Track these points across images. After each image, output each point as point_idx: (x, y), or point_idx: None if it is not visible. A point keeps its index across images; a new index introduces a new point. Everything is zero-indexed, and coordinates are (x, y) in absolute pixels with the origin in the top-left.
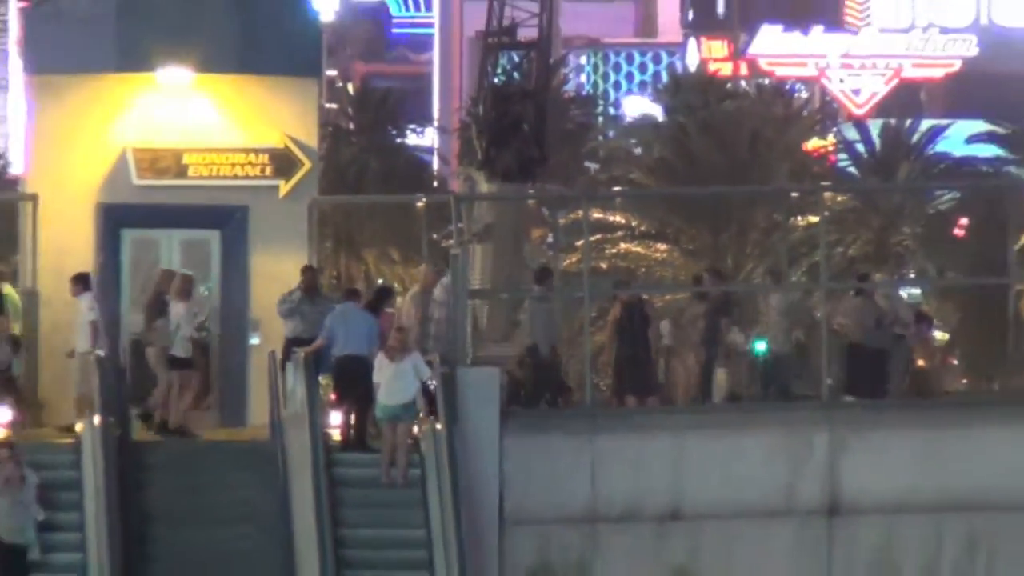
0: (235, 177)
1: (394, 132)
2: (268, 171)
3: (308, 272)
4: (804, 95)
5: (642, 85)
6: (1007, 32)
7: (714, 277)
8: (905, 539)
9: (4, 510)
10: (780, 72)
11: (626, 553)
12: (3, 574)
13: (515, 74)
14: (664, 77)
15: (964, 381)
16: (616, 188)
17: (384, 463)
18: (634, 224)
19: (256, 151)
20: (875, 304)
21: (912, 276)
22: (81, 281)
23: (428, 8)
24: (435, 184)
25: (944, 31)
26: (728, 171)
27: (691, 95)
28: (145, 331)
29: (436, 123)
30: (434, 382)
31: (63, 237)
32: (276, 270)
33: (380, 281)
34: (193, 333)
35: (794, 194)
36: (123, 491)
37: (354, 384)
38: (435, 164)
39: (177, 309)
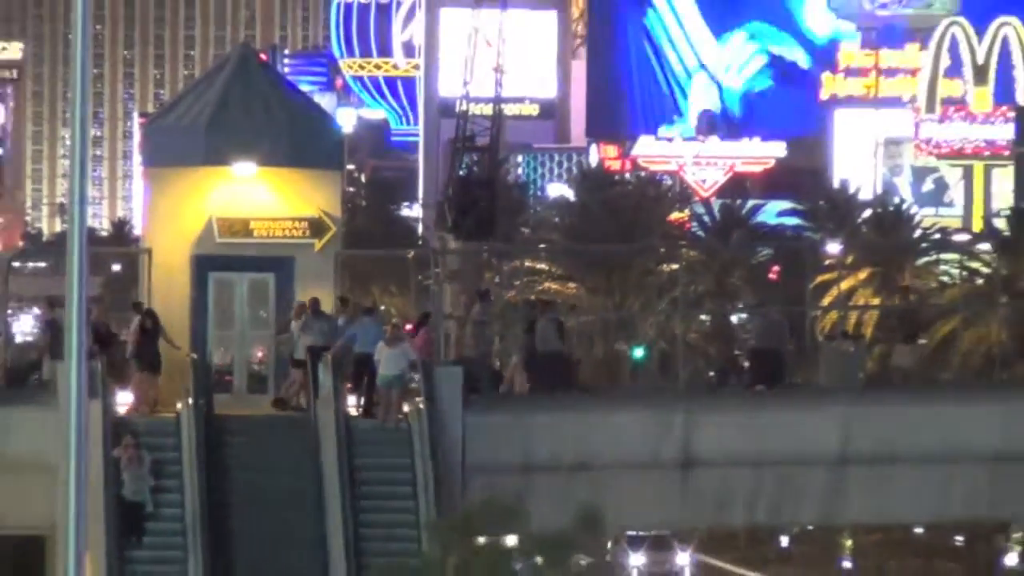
0: (285, 237)
1: (392, 207)
2: (307, 233)
3: (313, 301)
4: (668, 183)
5: (559, 176)
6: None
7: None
8: (735, 484)
9: (129, 480)
10: (652, 167)
11: (548, 492)
12: (127, 523)
13: (474, 168)
14: (575, 170)
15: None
16: (541, 245)
17: (382, 412)
18: (553, 269)
19: (299, 219)
20: (776, 321)
21: (741, 305)
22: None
23: (415, 123)
24: (420, 242)
25: (764, 139)
26: (618, 234)
27: (593, 182)
28: (276, 343)
29: (421, 201)
30: (415, 362)
31: (168, 278)
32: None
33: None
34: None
35: (662, 249)
36: (208, 448)
37: (364, 372)
38: (420, 228)
39: (295, 327)
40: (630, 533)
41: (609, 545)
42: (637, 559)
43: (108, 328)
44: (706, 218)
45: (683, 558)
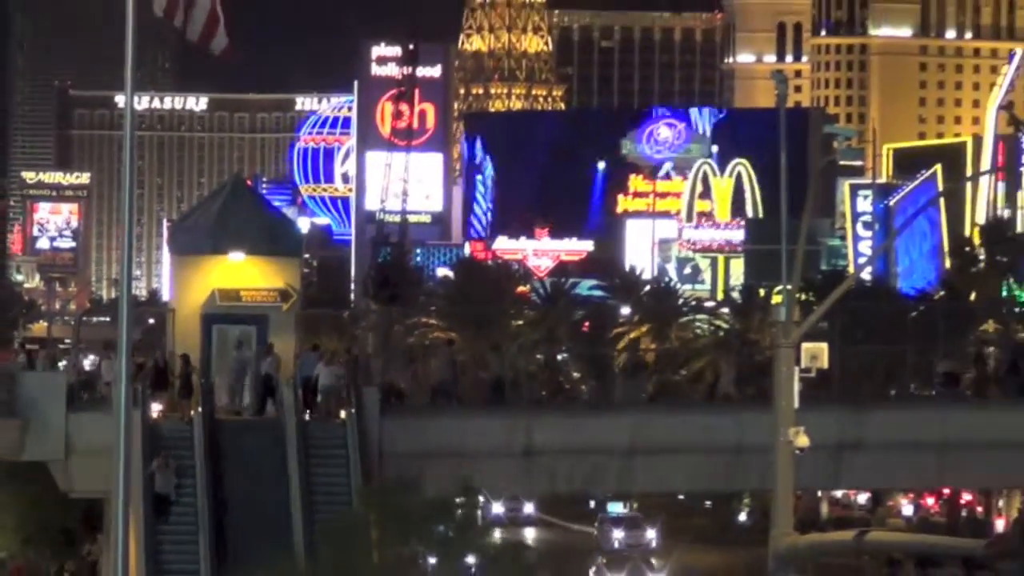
0: (263, 302)
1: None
2: (277, 299)
3: (270, 346)
4: (517, 268)
5: (444, 262)
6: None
7: (495, 350)
8: (560, 465)
9: (160, 479)
10: (507, 257)
11: (438, 471)
12: (157, 509)
13: (388, 257)
14: (454, 259)
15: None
16: (432, 308)
17: (322, 411)
18: (439, 323)
19: (272, 290)
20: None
21: (564, 348)
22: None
23: (350, 227)
24: (352, 305)
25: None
26: (482, 301)
27: (466, 267)
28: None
29: (353, 279)
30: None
31: (185, 329)
32: (279, 346)
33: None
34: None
35: (512, 311)
36: (210, 441)
37: (308, 388)
38: (352, 296)
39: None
40: (612, 514)
41: (596, 524)
42: (618, 534)
43: (166, 364)
44: (541, 291)
45: (651, 534)
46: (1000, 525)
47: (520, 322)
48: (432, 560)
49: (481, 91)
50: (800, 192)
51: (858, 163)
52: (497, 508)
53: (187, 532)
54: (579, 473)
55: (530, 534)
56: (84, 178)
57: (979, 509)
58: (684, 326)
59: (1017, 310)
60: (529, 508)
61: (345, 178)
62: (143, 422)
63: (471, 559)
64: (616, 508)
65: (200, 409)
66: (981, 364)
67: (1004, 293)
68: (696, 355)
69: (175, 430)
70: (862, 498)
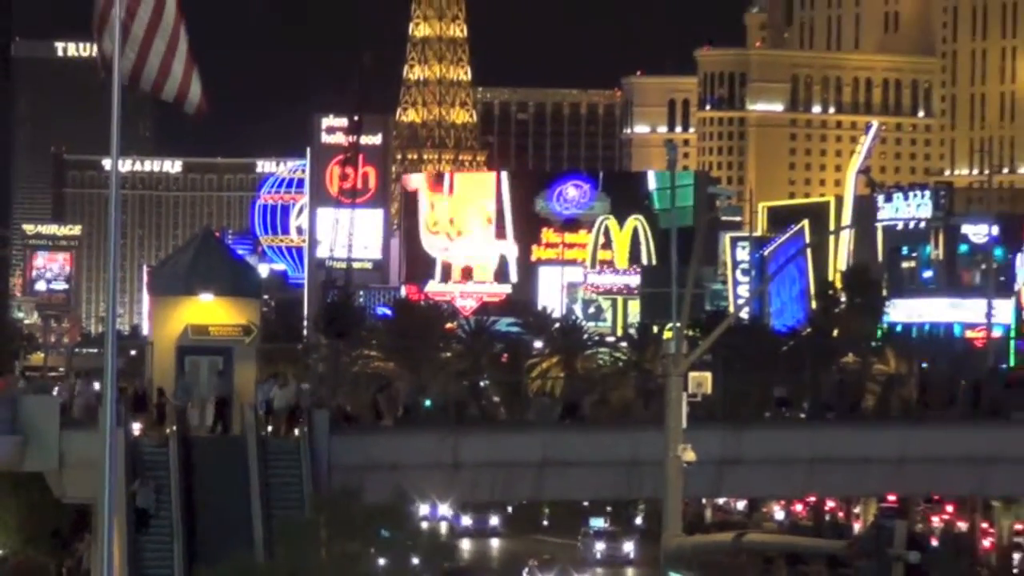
0: (228, 337)
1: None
2: (241, 334)
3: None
4: (446, 307)
5: (383, 303)
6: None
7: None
8: (482, 477)
9: (141, 496)
10: (438, 299)
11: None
12: (139, 520)
13: (335, 298)
14: (392, 299)
15: None
16: (374, 341)
17: (277, 428)
18: (379, 355)
19: (236, 326)
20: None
21: (486, 375)
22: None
23: (303, 273)
24: (304, 339)
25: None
26: (416, 336)
27: (403, 306)
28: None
29: (305, 317)
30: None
31: (162, 359)
32: (241, 375)
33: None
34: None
35: (441, 345)
36: (184, 453)
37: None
38: (305, 333)
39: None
40: (594, 528)
41: (579, 537)
42: (599, 546)
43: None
44: (466, 327)
45: (628, 546)
46: (858, 528)
47: (448, 354)
48: (381, 561)
49: (415, 156)
50: (688, 243)
51: (737, 219)
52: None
53: (164, 539)
54: (498, 483)
55: (495, 544)
56: (76, 230)
57: (840, 514)
58: (589, 357)
59: (873, 344)
60: (495, 520)
61: (299, 231)
62: (125, 439)
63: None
64: (598, 523)
65: (175, 428)
66: (846, 392)
67: (862, 329)
68: (601, 381)
69: (152, 448)
70: (740, 505)
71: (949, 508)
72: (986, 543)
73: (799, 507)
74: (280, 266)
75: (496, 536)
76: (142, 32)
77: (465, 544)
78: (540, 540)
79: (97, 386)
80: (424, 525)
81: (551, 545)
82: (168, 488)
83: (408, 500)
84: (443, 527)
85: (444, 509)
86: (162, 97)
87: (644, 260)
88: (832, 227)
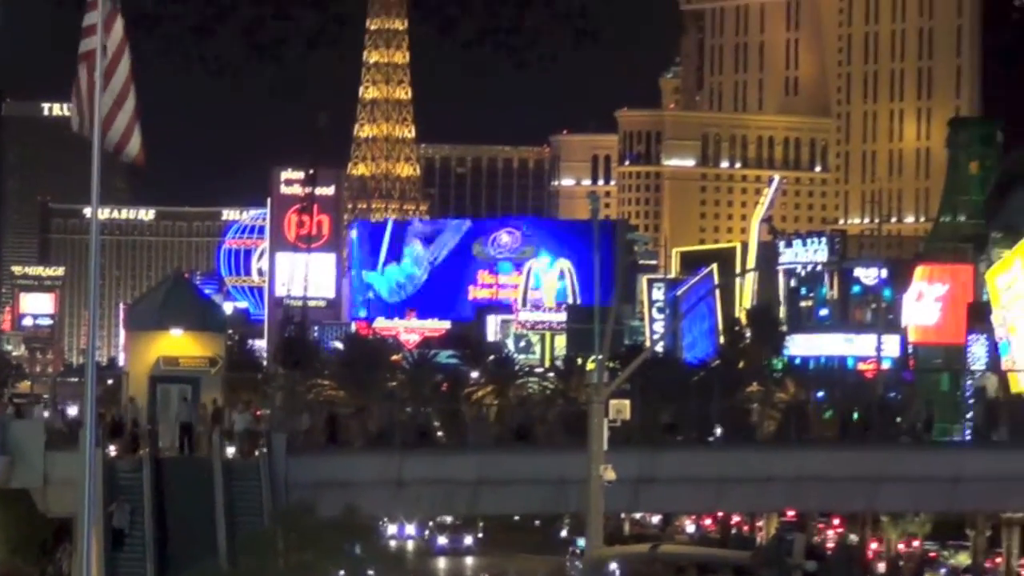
0: (196, 367)
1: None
2: (207, 365)
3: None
4: (392, 341)
5: (336, 337)
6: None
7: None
8: (423, 493)
9: (118, 516)
10: (384, 333)
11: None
12: (115, 539)
13: (293, 332)
14: (343, 335)
15: None
16: (327, 372)
17: (239, 450)
18: (332, 383)
19: (203, 358)
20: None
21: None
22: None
23: (263, 310)
24: (264, 370)
25: (440, 319)
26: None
27: (353, 340)
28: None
29: (265, 352)
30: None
31: (137, 388)
32: (209, 401)
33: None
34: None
35: (388, 375)
36: (156, 473)
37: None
38: (265, 363)
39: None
40: (581, 547)
41: (567, 556)
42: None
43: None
44: (410, 359)
45: (613, 565)
46: (760, 540)
47: (394, 383)
48: (342, 573)
49: (365, 206)
50: (609, 284)
51: (653, 262)
52: (442, 540)
53: (138, 556)
54: (438, 499)
55: (470, 562)
56: (59, 272)
57: (745, 528)
58: (520, 386)
59: (775, 375)
60: (468, 540)
61: (260, 272)
62: (103, 460)
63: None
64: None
65: (147, 450)
66: (750, 418)
67: (765, 362)
68: (534, 408)
69: (127, 472)
70: (655, 519)
71: (836, 522)
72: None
73: (708, 521)
74: (243, 304)
75: (471, 555)
76: (94, 89)
77: (441, 563)
78: (527, 558)
79: (77, 411)
80: (392, 543)
81: (536, 563)
82: (142, 509)
83: (358, 515)
84: (410, 545)
85: (410, 529)
86: (104, 146)
87: (569, 299)
88: (738, 270)
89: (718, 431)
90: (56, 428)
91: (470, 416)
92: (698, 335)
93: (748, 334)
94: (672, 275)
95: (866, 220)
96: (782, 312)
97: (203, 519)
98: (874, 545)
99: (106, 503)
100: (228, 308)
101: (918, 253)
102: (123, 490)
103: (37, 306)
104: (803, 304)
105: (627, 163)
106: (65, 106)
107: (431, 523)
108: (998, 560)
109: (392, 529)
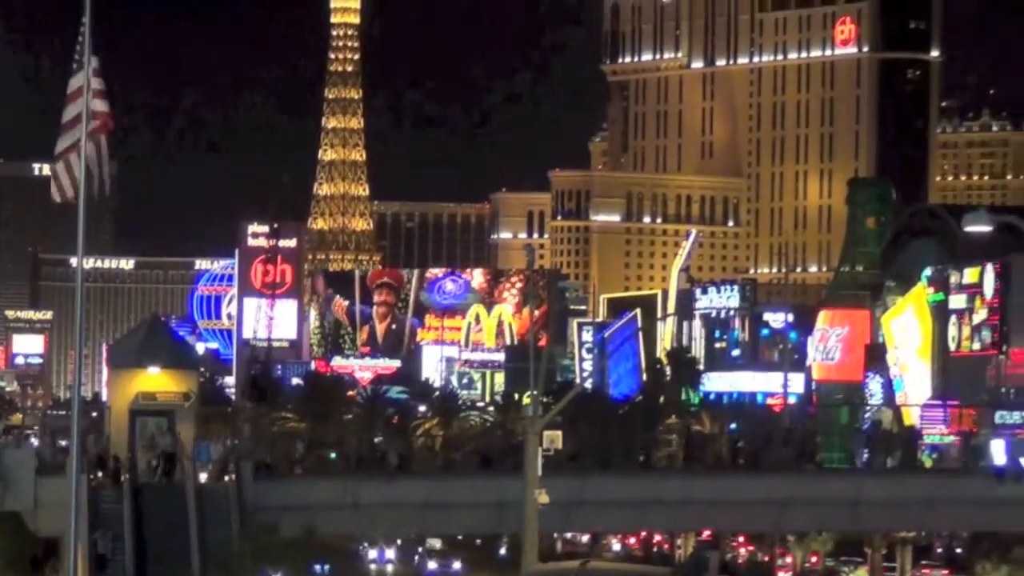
0: (171, 401)
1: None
2: (181, 400)
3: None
4: (347, 378)
5: (297, 375)
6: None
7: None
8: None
9: (101, 543)
10: (341, 371)
11: (291, 520)
12: (97, 565)
13: (258, 370)
14: (304, 372)
15: None
16: (289, 405)
17: (211, 477)
18: (294, 416)
19: (178, 393)
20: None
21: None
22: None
23: (231, 349)
24: (233, 404)
25: (390, 359)
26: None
27: (313, 378)
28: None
29: (234, 388)
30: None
31: (118, 420)
32: (183, 433)
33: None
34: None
35: (344, 408)
36: (134, 498)
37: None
38: (233, 398)
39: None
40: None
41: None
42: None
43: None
44: (364, 394)
45: (456, 565)
46: (680, 556)
47: (349, 416)
48: None
49: (324, 257)
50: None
51: (583, 307)
52: (432, 565)
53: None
54: (390, 521)
55: None
56: (48, 315)
57: (666, 546)
58: (463, 419)
59: (692, 409)
60: (457, 565)
61: (229, 316)
62: (88, 486)
63: None
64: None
65: (126, 477)
66: (670, 448)
67: (683, 397)
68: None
69: (109, 502)
70: (585, 538)
71: (741, 539)
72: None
73: (632, 540)
74: (214, 345)
75: None
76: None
77: None
78: None
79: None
80: (373, 567)
81: None
82: (122, 536)
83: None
84: (390, 568)
85: (390, 553)
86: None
87: (507, 340)
88: (659, 314)
89: (641, 459)
90: (45, 456)
91: (418, 445)
92: (623, 373)
93: (668, 372)
94: (600, 319)
95: (774, 270)
96: (699, 352)
97: (178, 539)
98: (782, 561)
99: (91, 525)
100: (200, 348)
101: (821, 299)
102: (106, 516)
103: (28, 346)
104: (717, 345)
105: (559, 218)
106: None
107: (420, 548)
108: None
109: (372, 554)
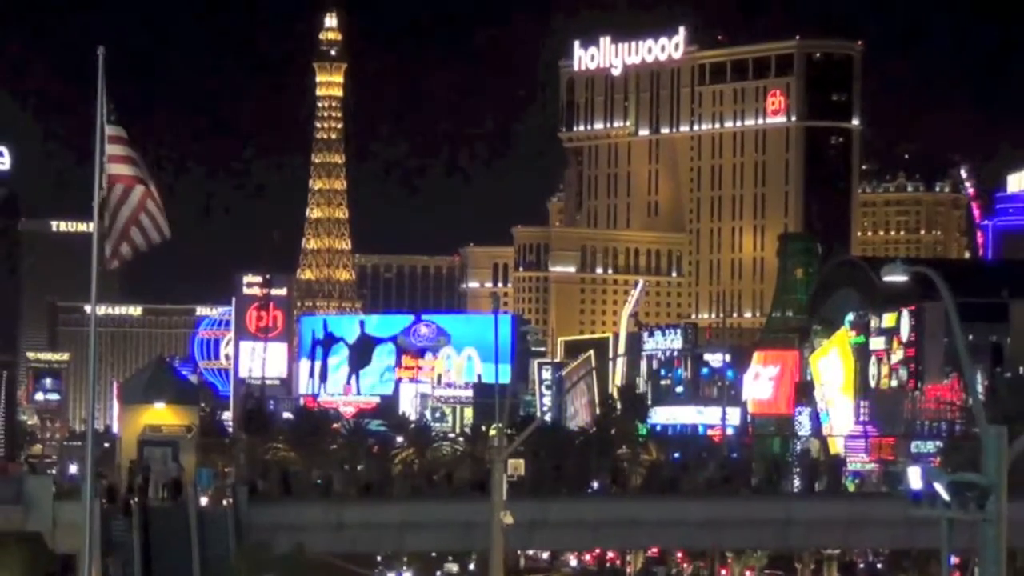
0: (175, 433)
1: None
2: (184, 431)
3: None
4: (333, 412)
5: (288, 409)
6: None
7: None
8: (356, 536)
9: (112, 570)
10: (327, 406)
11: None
12: None
13: (253, 406)
14: (294, 407)
15: None
16: (280, 436)
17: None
18: (285, 447)
19: (181, 425)
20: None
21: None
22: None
23: (229, 387)
24: (230, 436)
25: (368, 396)
26: (313, 432)
27: (302, 413)
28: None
29: (231, 421)
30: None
31: (128, 451)
32: (185, 461)
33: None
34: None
35: (329, 439)
36: (144, 522)
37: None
38: (230, 430)
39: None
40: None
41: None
42: None
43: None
44: (347, 426)
45: None
46: (630, 572)
47: (334, 446)
48: None
49: (311, 304)
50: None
51: (543, 349)
52: None
53: None
54: (370, 540)
55: None
56: (65, 357)
57: (618, 562)
58: (436, 449)
59: (640, 439)
60: None
61: (227, 357)
62: (101, 509)
63: None
64: None
65: (135, 501)
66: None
67: (633, 429)
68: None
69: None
70: (545, 555)
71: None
72: None
73: (587, 557)
74: (213, 382)
75: None
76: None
77: None
78: None
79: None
80: None
81: None
82: (132, 561)
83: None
84: None
85: None
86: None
87: (476, 379)
88: (611, 355)
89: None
90: (62, 482)
91: (396, 472)
92: (579, 407)
93: (619, 406)
94: (558, 359)
95: (713, 315)
96: (646, 389)
97: (181, 555)
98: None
99: (103, 545)
100: (200, 386)
101: (755, 342)
102: (117, 541)
103: (47, 384)
104: (663, 382)
105: (521, 269)
106: (71, 224)
107: (438, 573)
108: None
109: None
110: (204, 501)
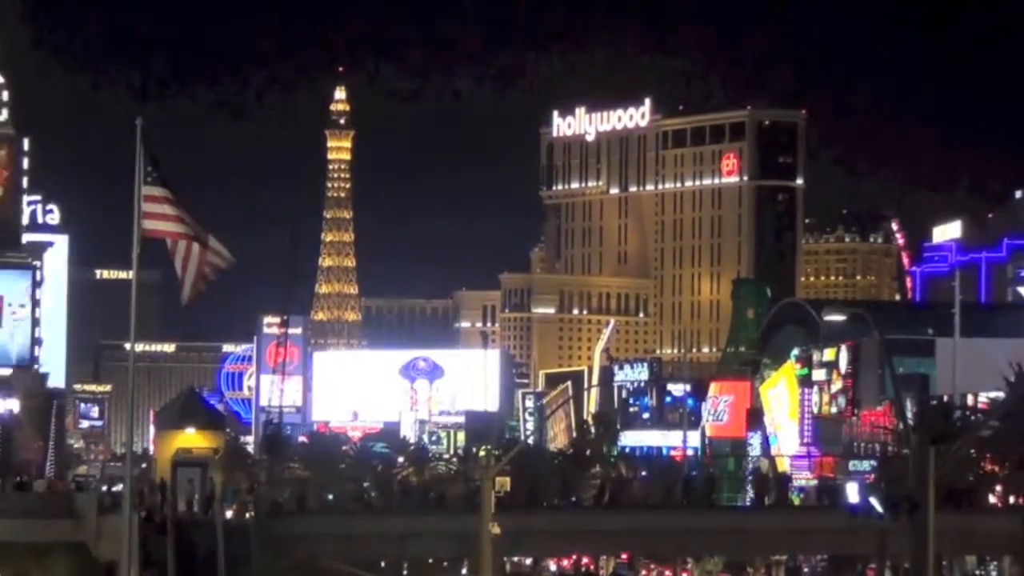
0: (204, 455)
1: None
2: (213, 454)
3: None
4: (342, 436)
5: (303, 433)
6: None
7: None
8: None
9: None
10: (337, 431)
11: (296, 548)
12: None
13: (272, 430)
14: (309, 432)
15: None
16: (296, 457)
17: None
18: (302, 466)
19: (210, 448)
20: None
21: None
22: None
23: (250, 416)
24: (252, 457)
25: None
26: (325, 453)
27: (315, 435)
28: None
29: (252, 444)
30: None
31: (163, 470)
32: (214, 479)
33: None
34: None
35: (338, 460)
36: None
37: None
38: (252, 452)
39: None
40: None
41: None
42: None
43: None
44: (354, 449)
45: None
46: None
47: (343, 465)
48: None
49: (323, 341)
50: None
51: (526, 380)
52: None
53: None
54: (374, 550)
55: None
56: (107, 388)
57: (592, 567)
58: (432, 468)
59: (612, 460)
60: None
61: (249, 388)
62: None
63: None
64: None
65: (170, 514)
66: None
67: (605, 451)
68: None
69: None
70: (528, 561)
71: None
72: None
73: (565, 562)
74: (237, 410)
75: None
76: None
77: None
78: None
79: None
80: None
81: None
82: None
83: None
84: None
85: None
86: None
87: (470, 407)
88: (586, 386)
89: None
90: (104, 499)
91: (397, 488)
92: (558, 431)
93: (593, 430)
94: (539, 389)
95: (675, 350)
96: (617, 415)
97: (210, 565)
98: None
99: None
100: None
101: (712, 374)
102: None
103: (91, 412)
104: (631, 409)
105: (507, 311)
106: (112, 272)
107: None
108: None
109: None
110: (229, 515)
